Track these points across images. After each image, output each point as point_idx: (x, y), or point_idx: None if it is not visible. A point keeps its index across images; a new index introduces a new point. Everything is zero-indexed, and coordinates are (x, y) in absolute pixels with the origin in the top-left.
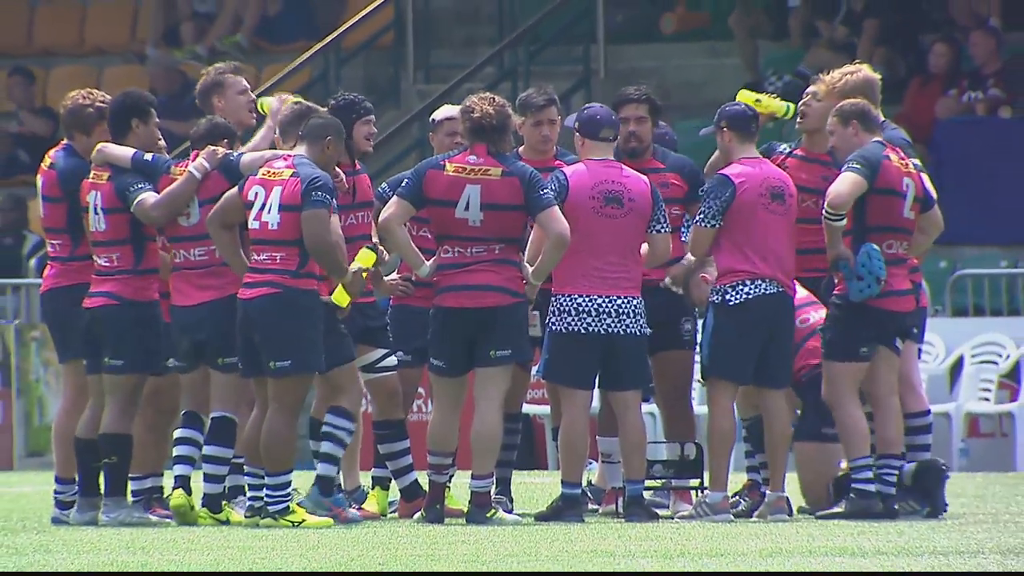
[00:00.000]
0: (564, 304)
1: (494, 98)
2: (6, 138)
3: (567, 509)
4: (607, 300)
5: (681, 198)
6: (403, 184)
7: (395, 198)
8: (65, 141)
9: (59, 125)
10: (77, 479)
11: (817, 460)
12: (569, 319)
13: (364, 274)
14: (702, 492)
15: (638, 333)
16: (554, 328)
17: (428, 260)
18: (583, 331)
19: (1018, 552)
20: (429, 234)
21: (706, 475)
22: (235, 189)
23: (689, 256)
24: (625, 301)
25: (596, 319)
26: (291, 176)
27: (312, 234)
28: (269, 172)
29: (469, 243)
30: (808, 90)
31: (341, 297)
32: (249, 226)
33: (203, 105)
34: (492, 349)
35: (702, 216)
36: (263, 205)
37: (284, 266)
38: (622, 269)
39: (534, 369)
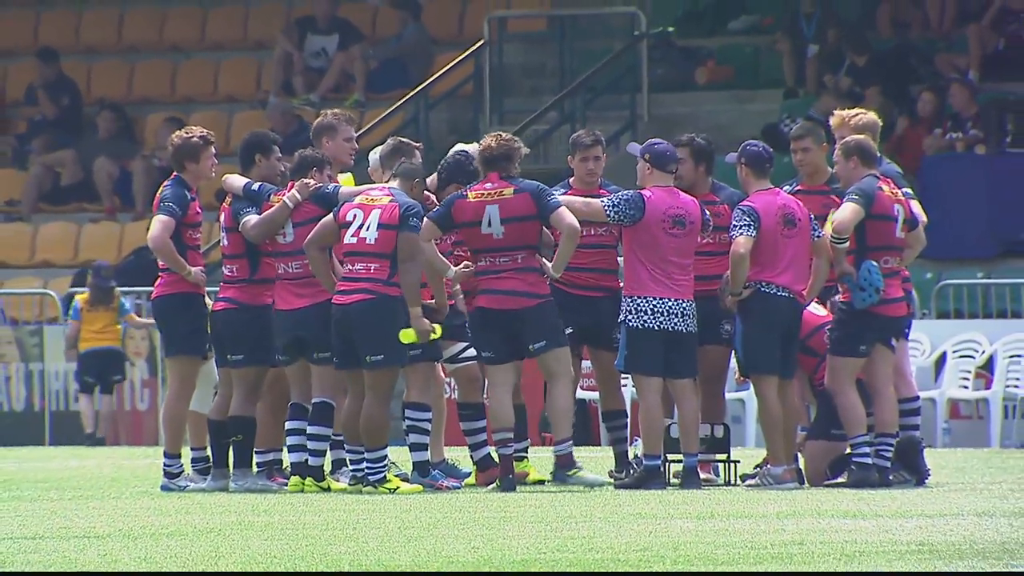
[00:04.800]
0: (640, 305)
1: (501, 135)
2: (154, 170)
3: (649, 478)
4: (675, 303)
5: (727, 226)
6: (434, 210)
7: (426, 220)
8: (175, 173)
9: None
10: (209, 453)
11: (823, 456)
12: (645, 317)
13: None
14: (734, 465)
15: (692, 331)
16: (631, 324)
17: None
18: (656, 328)
19: (991, 514)
20: (463, 251)
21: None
22: (330, 216)
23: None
24: (687, 304)
25: (666, 318)
26: (389, 201)
27: (405, 250)
28: (368, 198)
29: (496, 253)
30: (799, 145)
31: (408, 335)
32: (345, 241)
33: (314, 140)
34: (530, 343)
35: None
36: (362, 224)
37: (377, 275)
38: (684, 277)
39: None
